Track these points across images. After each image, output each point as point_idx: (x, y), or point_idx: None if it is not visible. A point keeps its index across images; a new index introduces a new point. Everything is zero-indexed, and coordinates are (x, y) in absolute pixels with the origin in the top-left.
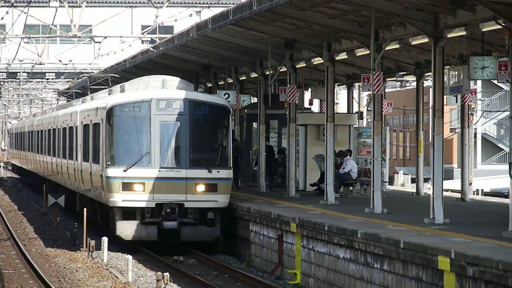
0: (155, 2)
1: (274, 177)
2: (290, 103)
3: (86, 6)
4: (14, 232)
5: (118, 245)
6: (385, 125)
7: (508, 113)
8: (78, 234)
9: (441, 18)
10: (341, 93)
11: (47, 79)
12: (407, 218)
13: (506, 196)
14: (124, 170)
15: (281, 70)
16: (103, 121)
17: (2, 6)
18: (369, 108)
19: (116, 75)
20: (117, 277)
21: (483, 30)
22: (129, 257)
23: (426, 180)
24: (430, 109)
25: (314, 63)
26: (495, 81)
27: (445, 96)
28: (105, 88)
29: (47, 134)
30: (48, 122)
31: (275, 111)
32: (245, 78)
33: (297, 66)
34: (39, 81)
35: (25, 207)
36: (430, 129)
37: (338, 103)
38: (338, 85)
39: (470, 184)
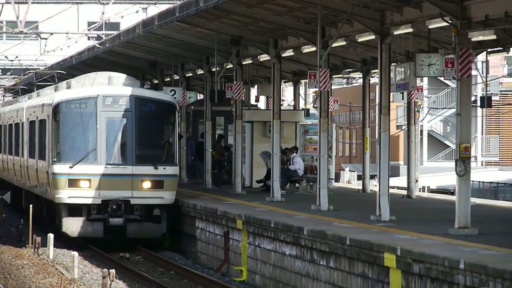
0: None
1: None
2: (237, 100)
3: (32, 3)
4: None
5: (64, 241)
6: (331, 122)
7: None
8: (24, 231)
9: (387, 15)
10: (287, 90)
11: None
12: (353, 215)
13: (452, 193)
14: (70, 167)
15: (227, 67)
16: (49, 117)
17: None
18: (315, 105)
19: (62, 72)
20: (63, 274)
21: (430, 27)
22: (75, 253)
23: (372, 177)
24: (377, 106)
25: (260, 60)
26: (442, 78)
27: (391, 93)
28: (51, 85)
29: None
30: None
31: (221, 108)
32: (191, 74)
33: (243, 63)
34: None
35: None
36: (377, 126)
37: (284, 100)
38: (285, 82)
39: (416, 181)
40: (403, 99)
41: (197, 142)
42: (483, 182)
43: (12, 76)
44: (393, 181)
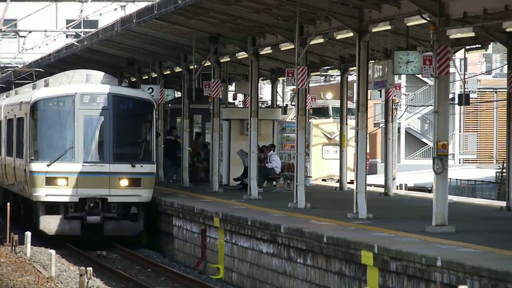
0: None
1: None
2: (214, 98)
3: (11, 0)
4: None
5: (41, 239)
6: (309, 120)
7: (432, 107)
8: (1, 229)
9: (366, 13)
10: (265, 88)
11: None
12: (330, 213)
13: (430, 191)
14: (47, 165)
15: (205, 65)
16: (27, 115)
17: None
18: (293, 103)
19: (40, 70)
20: (40, 272)
21: (408, 24)
22: (52, 251)
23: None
24: (354, 104)
25: (238, 58)
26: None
27: (369, 91)
28: (29, 83)
29: None
30: None
31: (199, 106)
32: (169, 72)
33: (221, 61)
34: None
35: None
36: (354, 124)
37: (262, 98)
38: (263, 80)
39: (394, 178)
40: (381, 96)
41: (165, 139)
42: (460, 179)
43: None
44: (371, 179)
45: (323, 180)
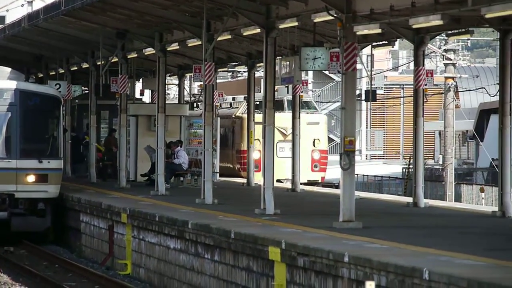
0: None
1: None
2: (121, 94)
3: None
4: None
5: None
6: (216, 116)
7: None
8: None
9: (273, 9)
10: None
11: None
12: (238, 209)
13: (337, 187)
14: None
15: (112, 61)
16: None
17: None
18: (200, 99)
19: None
20: None
21: (315, 21)
22: None
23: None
24: (262, 100)
25: (146, 54)
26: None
27: (276, 87)
28: None
29: None
30: None
31: (106, 102)
32: (76, 68)
33: (128, 57)
34: None
35: None
36: (262, 120)
37: (169, 94)
38: (170, 76)
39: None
40: (288, 92)
41: (71, 136)
42: (367, 175)
43: None
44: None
45: (278, 181)
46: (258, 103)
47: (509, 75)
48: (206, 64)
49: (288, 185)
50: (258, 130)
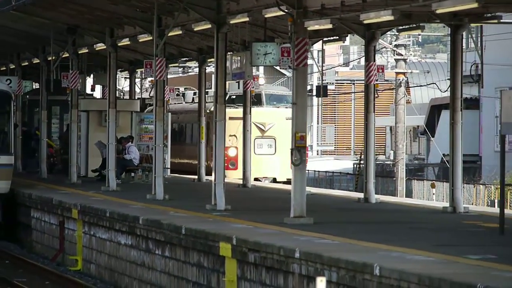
0: None
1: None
2: (72, 89)
3: None
4: None
5: None
6: (167, 111)
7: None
8: None
9: (224, 4)
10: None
11: None
12: (189, 204)
13: (288, 183)
14: None
15: (63, 56)
16: None
17: None
18: (150, 94)
19: None
20: None
21: (266, 16)
22: None
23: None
24: (213, 95)
25: (96, 49)
26: (278, 67)
27: (227, 82)
28: None
29: None
30: None
31: (57, 97)
32: (27, 63)
33: (79, 52)
34: None
35: None
36: (213, 115)
37: (120, 89)
38: (121, 71)
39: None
40: (239, 88)
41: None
42: (318, 171)
43: None
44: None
45: (256, 179)
46: (234, 97)
47: (460, 71)
48: (157, 59)
49: (268, 184)
50: (234, 126)
